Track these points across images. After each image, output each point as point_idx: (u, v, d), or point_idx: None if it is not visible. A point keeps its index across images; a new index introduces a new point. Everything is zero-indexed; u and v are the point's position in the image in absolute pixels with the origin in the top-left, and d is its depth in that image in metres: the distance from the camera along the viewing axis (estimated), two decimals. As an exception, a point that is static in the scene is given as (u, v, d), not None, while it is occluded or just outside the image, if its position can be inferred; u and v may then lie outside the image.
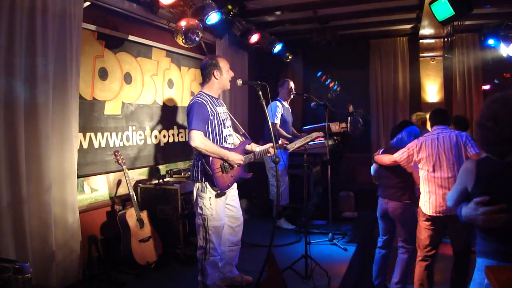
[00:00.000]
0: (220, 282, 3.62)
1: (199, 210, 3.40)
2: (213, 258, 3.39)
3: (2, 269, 2.05)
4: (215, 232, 3.38)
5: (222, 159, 3.34)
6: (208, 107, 3.36)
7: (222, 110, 3.54)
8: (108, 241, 4.15)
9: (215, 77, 3.47)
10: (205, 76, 3.51)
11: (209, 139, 3.35)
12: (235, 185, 3.64)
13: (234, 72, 3.60)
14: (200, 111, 3.30)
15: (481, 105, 2.31)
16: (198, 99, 3.37)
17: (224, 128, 3.49)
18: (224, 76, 3.49)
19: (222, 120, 3.48)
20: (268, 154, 3.77)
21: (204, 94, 3.45)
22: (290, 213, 5.79)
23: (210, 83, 3.50)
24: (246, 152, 3.65)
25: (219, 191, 3.35)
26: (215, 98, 3.52)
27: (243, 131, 3.78)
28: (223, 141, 3.46)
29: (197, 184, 3.41)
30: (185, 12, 4.52)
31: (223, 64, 3.49)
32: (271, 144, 3.59)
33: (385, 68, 7.68)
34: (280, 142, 3.82)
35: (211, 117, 3.36)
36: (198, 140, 3.24)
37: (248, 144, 3.71)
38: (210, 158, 3.30)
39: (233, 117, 3.73)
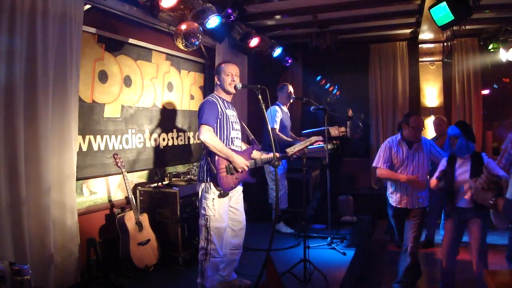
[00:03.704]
0: (218, 286, 3.61)
1: (202, 211, 3.44)
2: (213, 259, 3.39)
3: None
4: (217, 234, 3.40)
5: (227, 159, 3.38)
6: (218, 106, 3.47)
7: (232, 114, 3.62)
8: (106, 244, 4.14)
9: (216, 81, 3.63)
10: (215, 81, 3.68)
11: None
12: (240, 188, 3.67)
13: (234, 76, 3.65)
14: (211, 108, 3.42)
15: None
16: (210, 98, 3.53)
17: (232, 130, 3.57)
18: (221, 80, 3.57)
19: (231, 122, 3.56)
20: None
21: (216, 96, 3.59)
22: (289, 217, 5.79)
23: (217, 87, 3.66)
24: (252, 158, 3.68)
25: (222, 191, 3.38)
26: (226, 101, 3.62)
27: (253, 137, 3.82)
28: (230, 142, 3.52)
29: (202, 185, 3.46)
30: (185, 15, 4.53)
31: (222, 69, 3.59)
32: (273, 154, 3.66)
33: (385, 73, 7.68)
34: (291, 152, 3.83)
35: (220, 117, 3.46)
36: (207, 135, 3.31)
37: (257, 150, 3.76)
38: (216, 157, 3.35)
39: (243, 124, 3.79)
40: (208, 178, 3.41)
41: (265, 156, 3.73)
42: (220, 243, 3.44)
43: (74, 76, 3.64)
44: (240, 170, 3.44)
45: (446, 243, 3.77)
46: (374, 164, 4.14)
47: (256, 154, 3.74)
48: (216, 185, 3.38)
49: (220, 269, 3.59)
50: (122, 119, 4.56)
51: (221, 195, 3.40)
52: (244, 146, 3.79)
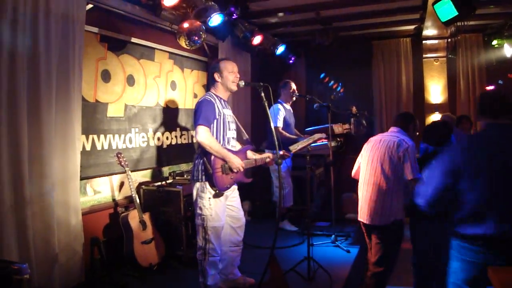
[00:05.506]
0: (222, 284, 3.62)
1: (198, 210, 3.42)
2: (212, 258, 3.40)
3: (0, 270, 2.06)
4: (214, 233, 3.40)
5: (223, 159, 3.35)
6: (216, 106, 3.42)
7: (229, 113, 3.59)
8: (110, 243, 4.15)
9: (215, 79, 3.53)
10: (211, 79, 3.61)
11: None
12: (235, 186, 3.65)
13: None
14: (208, 109, 3.36)
15: None
16: (207, 97, 3.45)
17: (229, 130, 3.53)
18: (224, 78, 3.51)
19: (228, 122, 3.52)
20: (268, 164, 3.85)
21: (213, 94, 3.52)
22: (293, 214, 5.78)
23: (215, 85, 3.57)
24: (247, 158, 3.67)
25: (217, 191, 3.37)
26: (224, 100, 3.57)
27: (247, 136, 3.81)
28: (226, 143, 3.49)
29: (197, 184, 3.43)
30: (187, 14, 4.53)
31: (224, 66, 3.52)
32: (268, 154, 3.79)
33: (388, 69, 7.64)
34: (281, 152, 3.81)
35: (217, 117, 3.42)
36: (204, 135, 3.27)
37: (250, 150, 3.74)
38: (212, 157, 3.32)
39: (238, 123, 3.76)
40: (204, 178, 3.38)
41: (259, 156, 3.73)
42: (218, 242, 3.44)
43: (77, 76, 3.64)
44: (235, 171, 3.43)
45: None
46: (417, 176, 3.10)
47: (250, 154, 3.73)
48: (212, 185, 3.35)
49: (221, 267, 3.59)
50: (125, 118, 4.57)
51: (216, 195, 3.38)
52: (239, 146, 3.77)
